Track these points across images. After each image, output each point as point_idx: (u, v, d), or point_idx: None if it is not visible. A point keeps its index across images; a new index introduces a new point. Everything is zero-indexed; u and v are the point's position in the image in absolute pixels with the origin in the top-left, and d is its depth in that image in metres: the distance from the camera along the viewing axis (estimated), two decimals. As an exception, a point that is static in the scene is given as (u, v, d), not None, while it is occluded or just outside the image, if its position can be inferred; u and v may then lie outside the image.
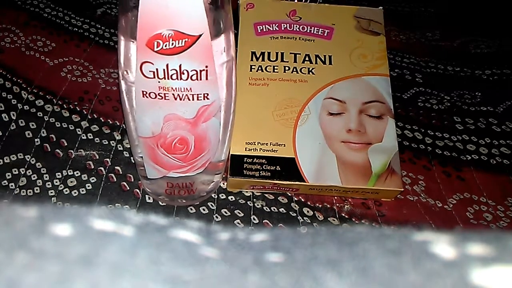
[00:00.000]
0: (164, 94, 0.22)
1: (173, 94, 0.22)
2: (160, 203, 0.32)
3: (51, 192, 0.31)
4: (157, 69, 0.20)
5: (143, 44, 0.19)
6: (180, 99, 0.22)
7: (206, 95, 0.22)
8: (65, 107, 0.36)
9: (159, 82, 0.21)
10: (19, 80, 0.38)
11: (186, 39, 0.19)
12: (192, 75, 0.21)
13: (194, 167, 0.27)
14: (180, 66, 0.20)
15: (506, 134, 0.38)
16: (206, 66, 0.21)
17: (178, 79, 0.21)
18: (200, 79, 0.21)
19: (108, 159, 0.33)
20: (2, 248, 0.10)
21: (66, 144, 0.34)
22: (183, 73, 0.21)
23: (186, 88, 0.22)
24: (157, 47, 0.19)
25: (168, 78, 0.21)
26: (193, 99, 0.22)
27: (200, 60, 0.21)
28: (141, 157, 0.27)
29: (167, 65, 0.20)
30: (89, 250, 0.10)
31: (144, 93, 0.22)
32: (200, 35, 0.19)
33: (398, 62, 0.43)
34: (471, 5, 0.49)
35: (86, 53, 0.40)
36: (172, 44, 0.19)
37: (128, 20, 0.20)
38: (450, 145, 0.37)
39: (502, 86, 0.42)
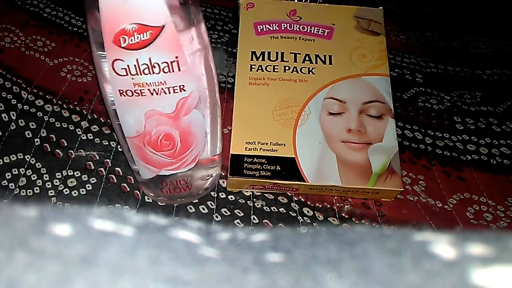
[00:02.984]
0: (140, 90, 0.22)
1: (148, 90, 0.22)
2: (160, 203, 0.32)
3: (51, 192, 0.31)
4: (128, 66, 0.21)
5: (110, 42, 0.20)
6: (157, 94, 0.22)
7: (182, 87, 0.22)
8: (65, 107, 0.36)
9: (132, 78, 0.21)
10: (19, 80, 0.38)
11: (151, 31, 0.20)
12: (163, 68, 0.21)
13: (184, 162, 0.27)
14: (149, 59, 0.21)
15: (506, 134, 0.38)
16: (176, 57, 0.21)
17: (150, 73, 0.21)
18: (173, 71, 0.21)
19: (108, 160, 0.33)
20: (2, 248, 0.10)
21: (66, 144, 0.34)
22: (154, 67, 0.21)
23: (160, 82, 0.22)
24: (123, 43, 0.20)
25: (140, 74, 0.21)
26: (169, 92, 0.22)
27: (168, 51, 0.21)
28: (133, 158, 0.27)
29: (137, 60, 0.20)
30: (89, 250, 0.10)
31: (121, 92, 0.22)
32: (164, 26, 0.20)
33: (398, 62, 0.43)
34: (471, 5, 0.49)
35: (86, 53, 0.40)
36: (138, 37, 0.20)
37: (95, 20, 0.20)
38: (450, 145, 0.37)
39: (502, 86, 0.41)
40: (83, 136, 0.35)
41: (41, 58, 0.39)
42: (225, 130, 0.35)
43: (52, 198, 0.31)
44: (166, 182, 0.28)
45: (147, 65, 0.21)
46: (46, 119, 0.35)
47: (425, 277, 0.10)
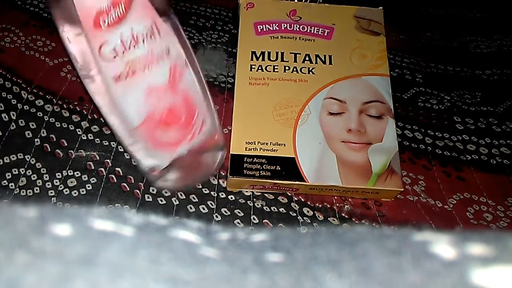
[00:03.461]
0: (133, 69, 0.22)
1: (140, 65, 0.22)
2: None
3: (51, 192, 0.31)
4: (114, 47, 0.21)
5: (91, 28, 0.20)
6: (149, 67, 0.22)
7: (167, 51, 0.23)
8: (65, 107, 0.36)
9: (123, 58, 0.21)
10: (19, 80, 0.38)
11: (123, 3, 0.20)
12: (146, 36, 0.21)
13: (195, 131, 0.27)
14: (131, 32, 0.21)
15: (506, 134, 0.38)
16: (154, 21, 0.21)
17: (137, 46, 0.21)
18: (155, 37, 0.22)
19: (108, 160, 0.33)
20: (2, 248, 0.10)
21: (66, 144, 0.34)
22: (138, 38, 0.21)
23: (148, 53, 0.22)
24: (104, 24, 0.20)
25: (128, 49, 0.21)
26: (158, 61, 0.22)
27: (145, 18, 0.21)
28: (144, 151, 0.26)
29: (121, 37, 0.21)
30: (89, 250, 0.10)
31: (116, 78, 0.22)
32: None
33: (398, 62, 0.43)
34: (471, 5, 0.49)
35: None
36: (114, 13, 0.20)
37: (71, 14, 0.20)
38: (450, 145, 0.37)
39: (502, 86, 0.41)
40: (83, 136, 0.35)
41: (41, 58, 0.39)
42: (225, 130, 0.35)
43: (52, 198, 0.31)
44: (182, 163, 0.28)
45: (131, 38, 0.21)
46: (46, 119, 0.35)
47: (425, 277, 0.10)
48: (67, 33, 0.21)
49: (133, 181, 0.32)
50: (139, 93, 0.23)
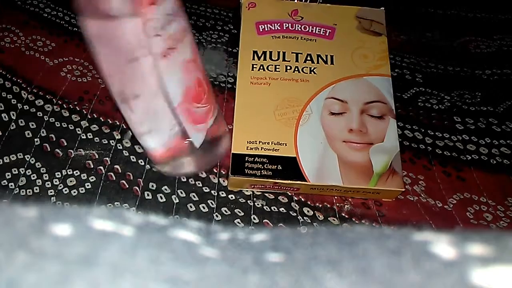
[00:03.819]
0: (172, 44, 0.23)
1: (175, 40, 0.23)
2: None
3: (51, 192, 0.31)
4: (157, 24, 0.21)
5: (138, 6, 0.20)
6: (181, 41, 0.23)
7: (185, 27, 0.24)
8: (65, 107, 0.36)
9: (164, 35, 0.22)
10: (18, 80, 0.38)
11: None
12: (173, 13, 0.22)
13: (214, 104, 0.28)
14: (165, 9, 0.22)
15: (506, 134, 0.38)
16: (175, 1, 0.22)
17: (170, 23, 0.22)
18: (179, 15, 0.23)
19: (107, 158, 0.33)
20: (2, 248, 0.10)
21: (65, 143, 0.34)
22: (170, 16, 0.22)
23: (178, 29, 0.23)
24: (147, 1, 0.21)
25: (165, 26, 0.22)
26: (184, 36, 0.23)
27: None
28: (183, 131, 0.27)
29: (160, 15, 0.22)
30: (89, 250, 0.10)
31: (162, 54, 0.22)
32: None
33: (398, 62, 0.42)
34: (471, 5, 0.49)
35: (86, 53, 0.40)
36: None
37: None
38: (450, 145, 0.37)
39: (502, 86, 0.41)
40: (83, 135, 0.35)
41: (41, 58, 0.39)
42: (226, 130, 0.35)
43: (52, 198, 0.31)
44: (208, 137, 0.29)
45: (166, 15, 0.22)
46: (46, 119, 0.35)
47: (425, 277, 0.10)
48: (120, 17, 0.21)
49: (132, 178, 0.32)
50: (179, 68, 0.24)
